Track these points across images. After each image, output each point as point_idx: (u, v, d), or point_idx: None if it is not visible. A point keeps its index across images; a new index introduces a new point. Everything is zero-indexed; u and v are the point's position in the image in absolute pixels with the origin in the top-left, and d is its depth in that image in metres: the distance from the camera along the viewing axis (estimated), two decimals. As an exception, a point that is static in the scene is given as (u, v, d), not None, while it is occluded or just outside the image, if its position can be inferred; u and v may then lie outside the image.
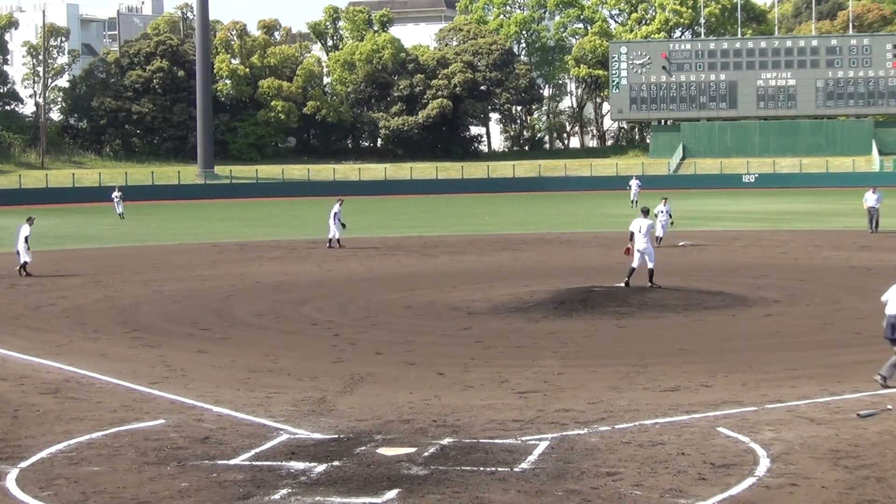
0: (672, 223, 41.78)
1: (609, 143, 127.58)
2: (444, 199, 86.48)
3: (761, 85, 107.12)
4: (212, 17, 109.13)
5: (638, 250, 27.51)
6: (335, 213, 42.20)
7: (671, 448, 12.94)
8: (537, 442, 13.29)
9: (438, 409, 15.24)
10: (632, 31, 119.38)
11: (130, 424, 14.67)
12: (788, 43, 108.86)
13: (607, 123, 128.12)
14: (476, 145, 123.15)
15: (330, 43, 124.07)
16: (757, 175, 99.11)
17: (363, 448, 13.14)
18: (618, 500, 11.11)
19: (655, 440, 13.32)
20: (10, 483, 12.05)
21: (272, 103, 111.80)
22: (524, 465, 12.30)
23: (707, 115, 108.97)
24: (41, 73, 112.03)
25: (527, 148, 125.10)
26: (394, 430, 14.07)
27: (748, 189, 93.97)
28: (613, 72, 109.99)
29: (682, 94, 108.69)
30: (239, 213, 71.45)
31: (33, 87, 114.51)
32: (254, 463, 12.64)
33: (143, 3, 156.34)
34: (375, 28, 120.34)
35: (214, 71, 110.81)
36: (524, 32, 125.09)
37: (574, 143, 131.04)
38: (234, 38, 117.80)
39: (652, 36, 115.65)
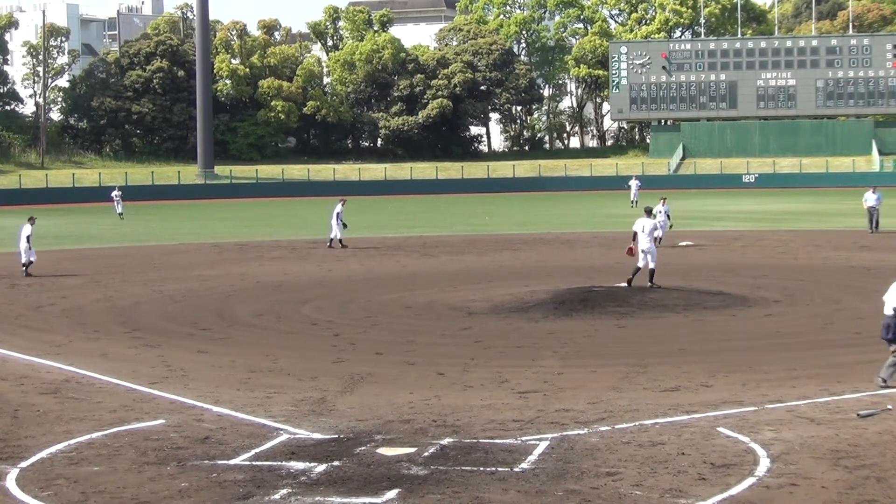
0: (671, 226, 41.68)
1: (609, 143, 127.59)
2: (444, 199, 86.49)
3: (761, 85, 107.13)
4: (212, 17, 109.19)
5: (642, 250, 27.52)
6: (337, 213, 42.20)
7: (671, 448, 12.94)
8: (537, 442, 13.29)
9: (438, 409, 15.24)
10: (632, 31, 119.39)
11: (130, 424, 14.67)
12: (788, 43, 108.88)
13: (607, 123, 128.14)
14: (476, 145, 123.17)
15: (330, 43, 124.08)
16: (757, 175, 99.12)
17: (363, 448, 13.14)
18: (618, 500, 11.10)
19: (655, 440, 13.32)
20: (10, 483, 12.05)
21: (272, 103, 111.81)
22: (524, 465, 12.30)
23: (707, 115, 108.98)
24: (41, 73, 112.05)
25: (527, 148, 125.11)
26: (394, 430, 14.07)
27: (748, 189, 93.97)
28: (613, 72, 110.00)
29: (682, 94, 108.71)
30: (239, 213, 71.45)
31: (33, 87, 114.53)
32: (254, 463, 12.64)
33: (143, 3, 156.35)
34: (375, 28, 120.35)
35: (214, 71, 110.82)
36: (524, 32, 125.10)
37: (574, 143, 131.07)
38: (234, 38, 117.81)
39: (652, 36, 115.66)
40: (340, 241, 42.15)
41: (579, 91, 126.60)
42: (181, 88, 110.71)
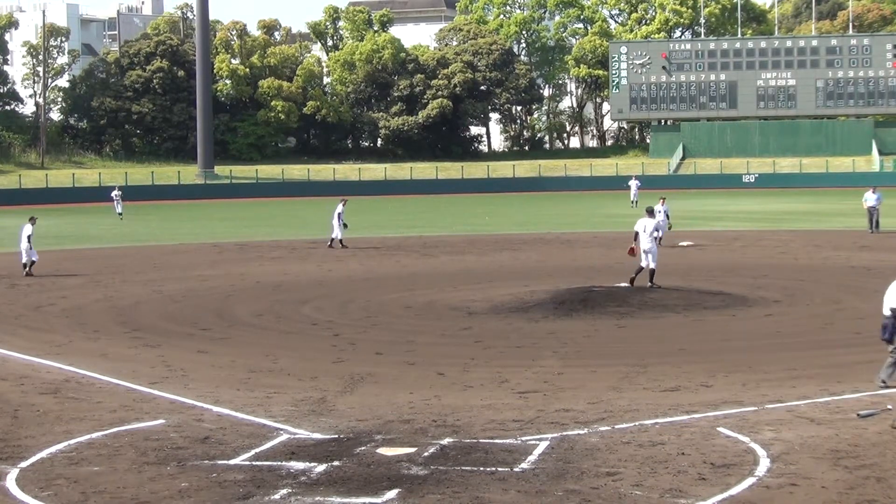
0: (670, 227, 41.69)
1: (609, 143, 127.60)
2: (444, 199, 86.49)
3: (761, 85, 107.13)
4: (212, 17, 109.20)
5: (644, 250, 27.52)
6: (339, 214, 42.21)
7: (671, 448, 12.94)
8: (537, 442, 13.29)
9: (438, 409, 15.24)
10: (632, 31, 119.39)
11: (130, 424, 14.67)
12: (788, 43, 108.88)
13: (607, 123, 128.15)
14: (476, 145, 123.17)
15: (330, 43, 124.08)
16: (757, 175, 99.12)
17: (363, 448, 13.14)
18: (618, 500, 11.10)
19: (655, 440, 13.32)
20: (10, 483, 12.05)
21: (272, 103, 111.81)
22: (524, 465, 12.30)
23: (707, 115, 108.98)
24: (41, 73, 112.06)
25: (527, 148, 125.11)
26: (394, 430, 14.07)
27: (748, 189, 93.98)
28: (613, 72, 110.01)
29: (682, 94, 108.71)
30: (239, 213, 71.45)
31: (33, 87, 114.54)
32: (254, 463, 12.64)
33: (143, 3, 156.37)
34: (375, 28, 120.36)
35: (214, 71, 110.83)
36: (524, 32, 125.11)
37: (574, 143, 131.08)
38: (234, 38, 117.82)
39: (652, 36, 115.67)
40: (341, 241, 42.15)
41: (579, 91, 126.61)
42: (181, 88, 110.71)
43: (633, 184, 70.40)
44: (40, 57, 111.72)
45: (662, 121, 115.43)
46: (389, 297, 27.61)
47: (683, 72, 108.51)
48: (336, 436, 13.80)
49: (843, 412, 14.65)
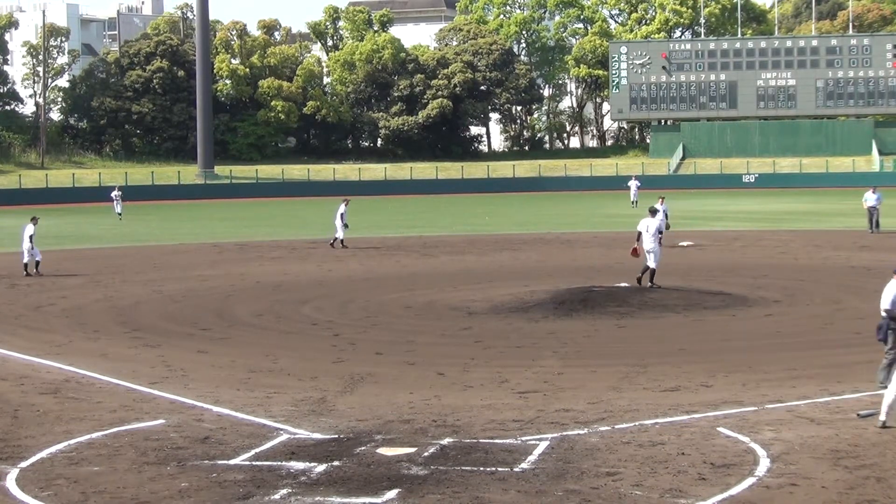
0: (668, 226, 41.65)
1: (609, 143, 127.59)
2: (444, 199, 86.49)
3: (761, 85, 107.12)
4: (212, 17, 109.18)
5: (647, 250, 27.52)
6: (341, 214, 42.25)
7: (671, 448, 12.94)
8: (537, 442, 13.29)
9: (438, 409, 15.24)
10: (632, 31, 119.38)
11: (130, 424, 14.67)
12: (788, 43, 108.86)
13: (607, 123, 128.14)
14: (476, 145, 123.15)
15: (330, 43, 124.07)
16: (757, 175, 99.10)
17: (363, 448, 13.14)
18: (618, 500, 11.11)
19: (655, 440, 13.32)
20: (10, 483, 12.05)
21: (272, 103, 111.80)
22: (524, 465, 12.30)
23: (707, 115, 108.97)
24: (41, 73, 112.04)
25: (527, 148, 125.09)
26: (394, 430, 14.07)
27: (748, 189, 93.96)
28: (613, 72, 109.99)
29: (682, 94, 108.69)
30: (239, 213, 71.45)
31: (33, 87, 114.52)
32: (254, 463, 12.64)
33: (143, 3, 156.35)
34: (375, 28, 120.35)
35: (214, 71, 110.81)
36: (524, 32, 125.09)
37: (574, 143, 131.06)
38: (234, 38, 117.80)
39: (652, 36, 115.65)
40: (342, 241, 42.17)
41: (579, 91, 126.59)
42: (181, 88, 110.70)
43: (633, 184, 70.37)
44: (40, 57, 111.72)
45: (662, 121, 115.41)
46: (389, 297, 27.61)
47: (683, 72, 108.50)
48: (336, 436, 13.81)
49: (843, 412, 14.65)
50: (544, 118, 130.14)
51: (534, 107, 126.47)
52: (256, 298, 27.77)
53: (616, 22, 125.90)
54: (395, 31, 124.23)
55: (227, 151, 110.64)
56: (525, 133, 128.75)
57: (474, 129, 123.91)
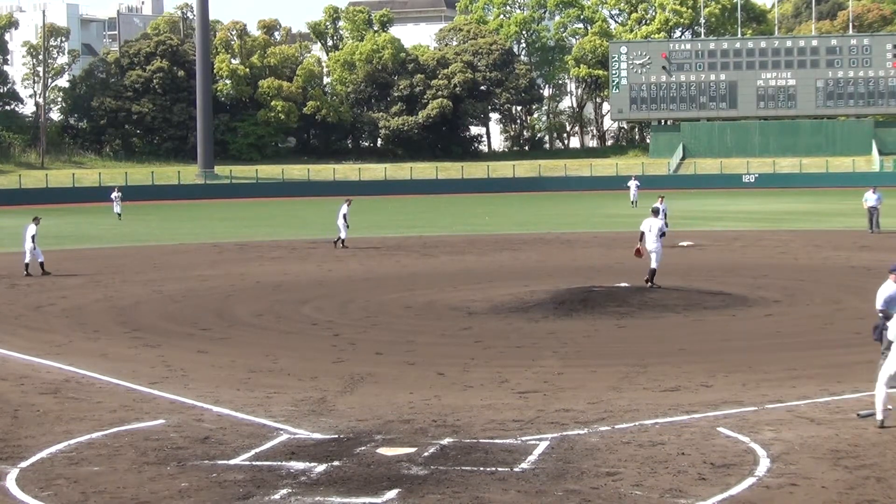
0: (667, 224, 41.58)
1: (609, 143, 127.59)
2: (444, 199, 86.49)
3: (761, 85, 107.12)
4: (212, 17, 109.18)
5: (649, 250, 27.52)
6: (344, 214, 42.29)
7: (671, 448, 12.94)
8: (537, 442, 13.29)
9: (438, 409, 15.24)
10: (632, 31, 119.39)
11: (130, 424, 14.67)
12: (788, 43, 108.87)
13: (607, 123, 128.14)
14: (476, 145, 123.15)
15: (330, 43, 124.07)
16: (757, 175, 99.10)
17: (363, 448, 13.14)
18: (618, 500, 11.11)
19: (655, 440, 13.32)
20: (10, 483, 12.05)
21: (272, 103, 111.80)
22: (524, 465, 12.30)
23: (707, 115, 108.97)
24: (41, 73, 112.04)
25: (527, 148, 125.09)
26: (394, 430, 14.07)
27: (748, 189, 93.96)
28: (613, 72, 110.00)
29: (682, 94, 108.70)
30: (239, 213, 71.45)
31: (33, 87, 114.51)
32: (254, 463, 12.64)
33: (143, 3, 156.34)
34: (375, 28, 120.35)
35: (214, 71, 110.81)
36: (524, 32, 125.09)
37: (574, 143, 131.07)
38: (234, 38, 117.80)
39: (652, 36, 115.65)
40: (343, 241, 42.19)
41: (579, 91, 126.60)
42: (181, 88, 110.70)
43: (633, 184, 70.41)
44: (40, 57, 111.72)
45: (662, 121, 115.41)
46: (389, 297, 27.61)
47: (683, 72, 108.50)
48: (336, 436, 13.81)
49: (843, 412, 14.65)
50: (544, 118, 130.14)
51: (534, 107, 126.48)
52: (256, 298, 27.77)
53: (616, 22, 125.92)
54: (395, 31, 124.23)
55: (227, 151, 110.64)
56: (525, 133, 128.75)
57: (474, 129, 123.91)
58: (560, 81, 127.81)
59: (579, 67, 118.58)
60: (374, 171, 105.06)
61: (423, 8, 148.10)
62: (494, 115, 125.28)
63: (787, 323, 22.77)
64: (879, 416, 13.86)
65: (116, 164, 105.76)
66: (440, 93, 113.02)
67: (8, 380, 17.98)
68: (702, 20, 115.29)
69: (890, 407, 14.48)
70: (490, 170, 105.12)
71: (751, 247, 40.10)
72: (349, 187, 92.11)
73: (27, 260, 33.73)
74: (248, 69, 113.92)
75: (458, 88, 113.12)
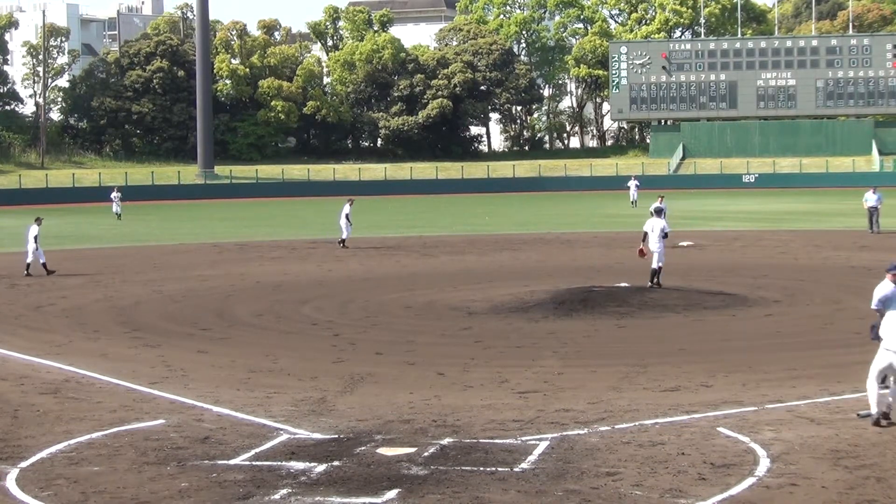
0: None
1: (609, 143, 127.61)
2: (444, 199, 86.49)
3: (761, 85, 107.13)
4: (212, 17, 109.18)
5: (653, 251, 27.51)
6: (346, 214, 42.32)
7: (671, 448, 12.94)
8: (537, 442, 13.29)
9: (438, 409, 15.24)
10: (632, 31, 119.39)
11: (130, 424, 14.67)
12: (788, 43, 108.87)
13: (607, 123, 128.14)
14: (476, 145, 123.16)
15: (330, 43, 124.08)
16: (757, 175, 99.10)
17: (363, 448, 13.14)
18: (618, 500, 11.11)
19: (655, 440, 13.32)
20: (10, 483, 12.05)
21: (272, 103, 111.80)
22: (524, 465, 12.30)
23: (707, 115, 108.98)
24: (41, 73, 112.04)
25: (527, 148, 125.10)
26: (394, 430, 14.07)
27: (748, 189, 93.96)
28: (613, 72, 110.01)
29: (682, 94, 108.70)
30: (239, 213, 71.45)
31: (33, 87, 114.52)
32: (254, 463, 12.64)
33: (143, 3, 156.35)
34: (375, 28, 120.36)
35: (214, 71, 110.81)
36: (524, 32, 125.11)
37: (574, 143, 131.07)
38: (234, 38, 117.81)
39: (652, 36, 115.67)
40: (343, 241, 42.21)
41: (579, 91, 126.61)
42: (181, 88, 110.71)
43: (633, 184, 70.46)
44: (40, 57, 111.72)
45: (662, 121, 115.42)
46: (389, 297, 27.60)
47: (683, 72, 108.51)
48: (336, 436, 13.80)
49: (843, 412, 14.65)
50: (544, 118, 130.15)
51: (534, 107, 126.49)
52: (256, 298, 27.77)
53: (616, 22, 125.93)
54: (395, 31, 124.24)
55: (227, 151, 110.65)
56: (525, 133, 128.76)
57: (474, 129, 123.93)
58: (560, 81, 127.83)
59: (579, 67, 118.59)
60: (374, 171, 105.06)
61: (423, 8, 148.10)
62: (494, 115, 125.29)
63: (787, 323, 22.77)
64: (874, 411, 13.89)
65: (116, 164, 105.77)
66: (440, 93, 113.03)
67: (8, 380, 17.98)
68: (702, 20, 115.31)
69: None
70: (490, 170, 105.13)
71: (751, 247, 40.10)
72: (349, 187, 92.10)
73: (29, 260, 33.74)
74: (248, 69, 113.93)
75: (458, 88, 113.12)
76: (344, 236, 42.37)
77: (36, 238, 33.65)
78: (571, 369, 18.10)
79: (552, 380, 17.26)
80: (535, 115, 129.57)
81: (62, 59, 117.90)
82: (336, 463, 12.51)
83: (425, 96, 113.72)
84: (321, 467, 12.34)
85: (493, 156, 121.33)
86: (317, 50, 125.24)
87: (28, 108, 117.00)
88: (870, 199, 45.12)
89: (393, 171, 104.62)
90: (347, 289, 29.41)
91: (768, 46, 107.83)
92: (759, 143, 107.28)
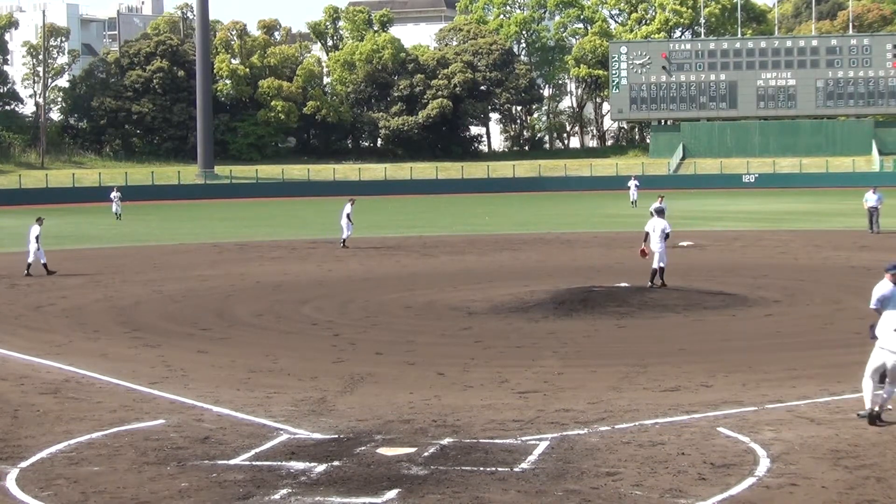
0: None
1: (609, 143, 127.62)
2: (444, 199, 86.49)
3: (761, 85, 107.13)
4: (212, 17, 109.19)
5: (654, 251, 27.50)
6: (347, 214, 42.32)
7: (671, 448, 12.94)
8: (537, 442, 13.29)
9: (438, 409, 15.24)
10: (632, 31, 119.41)
11: (130, 424, 14.67)
12: (788, 43, 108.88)
13: (607, 123, 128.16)
14: (476, 145, 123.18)
15: (330, 43, 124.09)
16: (757, 175, 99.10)
17: (363, 448, 13.14)
18: (618, 500, 11.11)
19: (655, 440, 13.32)
20: (10, 483, 12.05)
21: (272, 103, 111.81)
22: (524, 465, 12.30)
23: (707, 115, 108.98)
24: (41, 73, 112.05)
25: (527, 148, 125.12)
26: (394, 430, 14.07)
27: (748, 189, 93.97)
28: (613, 72, 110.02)
29: (682, 94, 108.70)
30: (239, 213, 71.45)
31: (33, 87, 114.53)
32: (254, 463, 12.64)
33: (143, 3, 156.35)
34: (375, 28, 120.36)
35: (214, 71, 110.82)
36: (524, 32, 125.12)
37: (574, 143, 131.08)
38: (234, 38, 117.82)
39: (652, 36, 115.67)
40: (344, 241, 42.22)
41: (579, 91, 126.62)
42: (181, 88, 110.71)
43: (633, 184, 70.50)
44: (40, 57, 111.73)
45: (662, 121, 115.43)
46: (389, 297, 27.61)
47: (683, 72, 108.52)
48: (336, 436, 13.80)
49: (843, 412, 14.65)
50: (544, 118, 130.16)
51: (534, 107, 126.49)
52: (256, 298, 27.77)
53: (616, 22, 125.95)
54: (395, 31, 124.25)
55: (227, 151, 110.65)
56: (525, 133, 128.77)
57: (474, 129, 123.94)
58: (560, 81, 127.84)
59: (579, 67, 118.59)
60: (374, 171, 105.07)
61: (423, 8, 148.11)
62: (494, 115, 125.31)
63: (787, 323, 22.77)
64: (867, 406, 13.94)
65: (116, 164, 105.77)
66: (440, 93, 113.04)
67: (8, 380, 17.98)
68: (702, 20, 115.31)
69: (890, 407, 14.49)
70: (490, 170, 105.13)
71: (751, 247, 40.10)
72: (349, 187, 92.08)
73: (30, 260, 33.74)
74: (248, 69, 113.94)
75: (458, 88, 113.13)
76: (344, 236, 42.37)
77: (38, 238, 33.66)
78: (571, 369, 18.10)
79: (552, 380, 17.26)
80: (535, 115, 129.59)
81: (62, 59, 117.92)
82: (336, 463, 12.51)
83: (425, 96, 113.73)
84: (321, 467, 12.34)
85: (493, 156, 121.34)
86: (317, 50, 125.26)
87: (28, 108, 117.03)
88: (870, 199, 45.11)
89: (393, 171, 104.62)
90: (347, 289, 29.41)
91: (768, 46, 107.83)
92: (759, 143, 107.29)
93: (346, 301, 26.97)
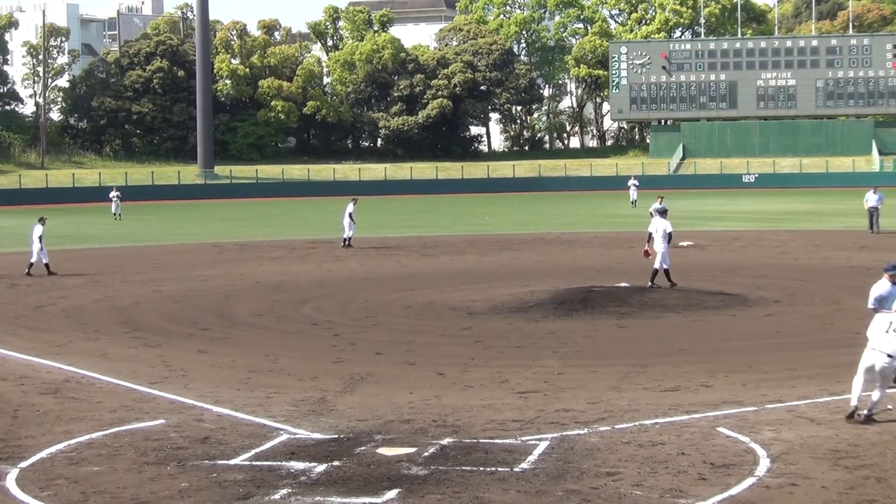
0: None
1: (609, 143, 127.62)
2: (444, 199, 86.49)
3: (761, 85, 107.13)
4: (212, 17, 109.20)
5: (657, 252, 27.49)
6: (349, 213, 42.33)
7: (671, 448, 12.94)
8: (537, 442, 13.29)
9: (438, 409, 15.24)
10: (632, 31, 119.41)
11: (130, 424, 14.67)
12: (788, 43, 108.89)
13: (607, 123, 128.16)
14: (476, 145, 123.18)
15: (330, 43, 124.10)
16: (757, 175, 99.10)
17: (363, 448, 13.14)
18: (618, 500, 11.11)
19: (655, 440, 13.32)
20: (10, 483, 12.05)
21: (272, 103, 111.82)
22: (524, 465, 12.30)
23: (707, 115, 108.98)
24: (41, 73, 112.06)
25: (527, 148, 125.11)
26: (394, 430, 14.07)
27: (748, 189, 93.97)
28: (613, 72, 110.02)
29: (682, 94, 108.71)
30: (239, 213, 71.45)
31: (33, 87, 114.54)
32: (254, 463, 12.64)
33: (143, 3, 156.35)
34: (375, 28, 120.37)
35: (214, 71, 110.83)
36: (524, 32, 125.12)
37: (574, 143, 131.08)
38: (234, 38, 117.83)
39: (652, 36, 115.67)
40: (344, 241, 42.23)
41: (579, 91, 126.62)
42: (181, 88, 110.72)
43: (633, 184, 70.51)
44: (40, 57, 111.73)
45: (662, 121, 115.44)
46: (389, 297, 27.60)
47: (683, 72, 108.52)
48: (336, 436, 13.80)
49: (843, 412, 14.63)
50: (544, 118, 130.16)
51: (534, 107, 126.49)
52: (256, 298, 27.77)
53: (616, 22, 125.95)
54: (395, 31, 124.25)
55: (227, 151, 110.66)
56: (525, 133, 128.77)
57: (474, 129, 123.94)
58: (560, 81, 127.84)
59: (579, 67, 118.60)
60: (374, 171, 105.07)
61: (423, 8, 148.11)
62: (494, 115, 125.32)
63: (787, 323, 22.77)
64: (853, 403, 13.98)
65: (116, 164, 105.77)
66: (440, 93, 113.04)
67: (8, 380, 17.98)
68: (702, 20, 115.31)
69: (889, 407, 14.50)
70: (490, 170, 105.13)
71: (751, 247, 40.10)
72: (349, 187, 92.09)
73: (33, 260, 33.73)
74: (248, 69, 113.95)
75: (458, 88, 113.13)
76: (345, 235, 42.36)
77: (41, 238, 33.66)
78: (571, 369, 18.10)
79: (552, 380, 17.26)
80: (535, 115, 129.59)
81: (62, 59, 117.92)
82: (336, 463, 12.51)
83: (425, 96, 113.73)
84: (321, 467, 12.34)
85: (493, 156, 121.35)
86: (317, 50, 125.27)
87: (28, 108, 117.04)
88: (870, 199, 45.11)
89: (393, 171, 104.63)
90: (347, 289, 29.42)
91: (768, 46, 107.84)
92: (759, 143, 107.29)
93: (346, 301, 26.97)
